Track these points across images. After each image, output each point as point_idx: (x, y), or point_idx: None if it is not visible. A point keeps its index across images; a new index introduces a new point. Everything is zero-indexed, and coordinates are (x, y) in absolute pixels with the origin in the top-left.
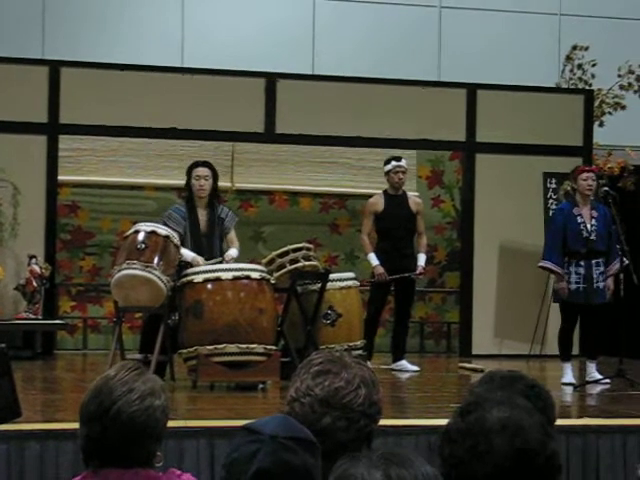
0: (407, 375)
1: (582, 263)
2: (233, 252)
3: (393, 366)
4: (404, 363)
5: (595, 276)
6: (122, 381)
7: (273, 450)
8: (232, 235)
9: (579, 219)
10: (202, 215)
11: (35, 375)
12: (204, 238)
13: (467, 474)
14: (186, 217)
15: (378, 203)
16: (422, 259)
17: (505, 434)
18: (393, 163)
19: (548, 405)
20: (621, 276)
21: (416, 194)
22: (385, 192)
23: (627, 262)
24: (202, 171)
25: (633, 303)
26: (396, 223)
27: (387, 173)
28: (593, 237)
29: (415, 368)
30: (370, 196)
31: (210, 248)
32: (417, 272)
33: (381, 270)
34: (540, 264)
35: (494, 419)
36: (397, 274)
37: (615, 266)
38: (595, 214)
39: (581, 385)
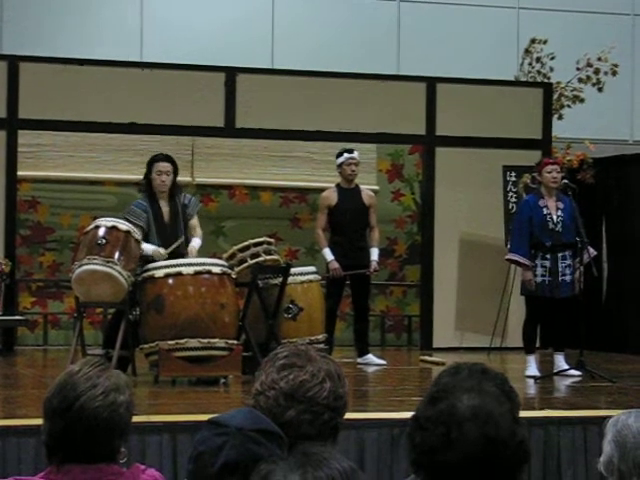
0: (372, 369)
1: (548, 256)
2: (196, 243)
3: (359, 360)
4: (370, 357)
5: (561, 269)
6: (86, 376)
7: (240, 442)
8: (195, 221)
9: (545, 211)
10: (164, 206)
11: None
12: (169, 229)
13: (439, 460)
14: (148, 210)
15: (331, 197)
16: (375, 253)
17: (476, 422)
18: (345, 155)
19: (513, 401)
20: (581, 268)
21: (376, 188)
22: (338, 186)
23: (595, 253)
24: (164, 166)
25: (592, 295)
26: (349, 217)
27: (339, 165)
28: (559, 229)
29: (382, 362)
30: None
31: (174, 238)
32: (371, 269)
33: (336, 265)
34: (507, 257)
35: (465, 407)
36: (351, 268)
37: (584, 256)
38: (561, 205)
39: (542, 377)
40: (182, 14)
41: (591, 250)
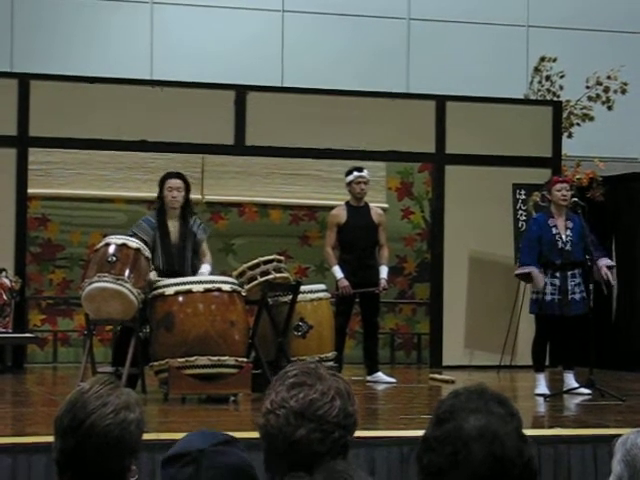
0: (382, 387)
1: (557, 274)
2: (205, 270)
3: (369, 378)
4: (380, 375)
5: (570, 288)
6: (96, 395)
7: (210, 462)
8: (204, 247)
9: (554, 230)
10: (173, 227)
11: (5, 389)
12: (175, 249)
13: None
14: (155, 228)
15: (340, 215)
16: (384, 271)
17: (482, 441)
18: (355, 174)
19: (518, 419)
20: (591, 287)
21: (385, 206)
22: (347, 203)
23: (613, 263)
24: (175, 183)
25: (602, 313)
26: (359, 234)
27: (349, 184)
28: (568, 247)
29: (391, 380)
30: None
31: (181, 260)
32: (380, 287)
33: (345, 283)
34: (516, 272)
35: (471, 427)
36: (361, 286)
37: (603, 261)
38: (570, 224)
39: (552, 395)
40: (192, 32)
41: (608, 261)
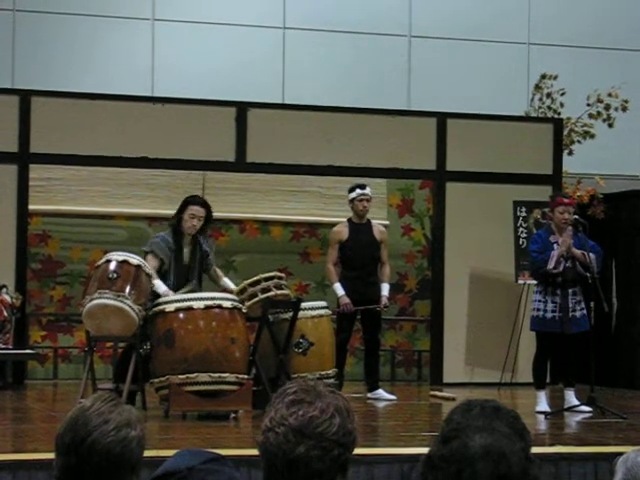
0: (382, 404)
1: (558, 292)
2: (232, 285)
3: (369, 395)
4: (380, 392)
5: (571, 305)
6: (98, 412)
7: (201, 479)
8: (216, 266)
9: (555, 246)
10: (186, 248)
11: (6, 405)
12: (185, 270)
13: None
14: (172, 247)
15: (342, 232)
16: (386, 289)
17: (488, 460)
18: (357, 191)
19: (525, 439)
20: (591, 304)
21: (386, 222)
22: (350, 220)
23: (594, 256)
24: (198, 211)
25: (603, 331)
26: (361, 252)
27: (351, 201)
28: (569, 264)
29: (392, 397)
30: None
31: (191, 279)
32: (382, 305)
33: (347, 300)
34: (549, 267)
35: (477, 446)
36: (362, 303)
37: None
38: (571, 242)
39: (553, 413)
40: (193, 50)
41: (592, 255)
